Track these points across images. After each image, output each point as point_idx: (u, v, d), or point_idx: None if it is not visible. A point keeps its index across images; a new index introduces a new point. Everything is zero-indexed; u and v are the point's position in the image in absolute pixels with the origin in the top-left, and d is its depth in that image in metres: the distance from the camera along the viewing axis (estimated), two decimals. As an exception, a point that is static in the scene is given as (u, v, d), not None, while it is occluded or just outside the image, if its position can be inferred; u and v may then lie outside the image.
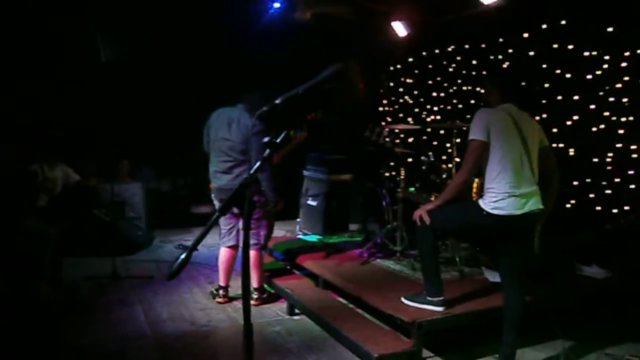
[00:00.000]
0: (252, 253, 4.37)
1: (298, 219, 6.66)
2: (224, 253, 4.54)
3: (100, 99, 6.89)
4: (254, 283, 4.48)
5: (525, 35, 5.85)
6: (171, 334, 3.93)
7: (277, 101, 1.61)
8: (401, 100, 8.10)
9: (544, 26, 5.64)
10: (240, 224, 4.45)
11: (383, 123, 7.56)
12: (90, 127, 6.94)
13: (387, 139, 4.74)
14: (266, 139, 1.62)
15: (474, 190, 4.37)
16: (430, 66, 7.48)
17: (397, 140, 4.75)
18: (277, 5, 6.83)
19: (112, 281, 5.06)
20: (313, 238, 6.04)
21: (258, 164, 1.61)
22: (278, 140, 1.61)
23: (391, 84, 8.34)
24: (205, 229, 1.58)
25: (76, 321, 4.09)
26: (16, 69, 6.42)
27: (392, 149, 4.79)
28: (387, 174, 6.18)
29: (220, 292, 4.57)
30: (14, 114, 6.27)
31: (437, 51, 7.33)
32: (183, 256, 1.51)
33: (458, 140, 4.85)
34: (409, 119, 7.79)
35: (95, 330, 3.97)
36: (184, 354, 3.64)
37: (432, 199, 4.66)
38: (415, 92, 7.81)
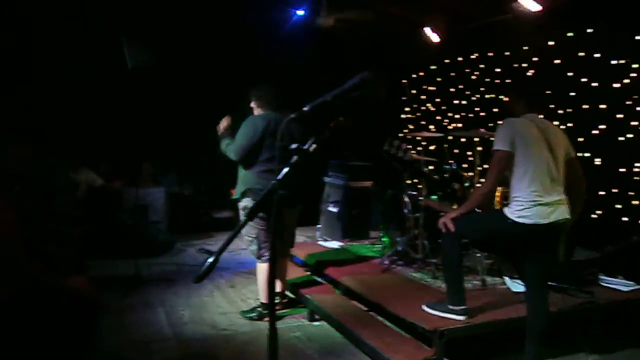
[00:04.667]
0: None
1: (318, 225, 6.66)
2: (266, 268, 4.16)
3: (126, 104, 7.01)
4: (277, 288, 4.49)
5: (551, 43, 5.80)
6: (192, 337, 3.96)
7: (306, 108, 1.62)
8: (423, 108, 8.07)
9: (570, 34, 5.58)
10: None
11: (400, 135, 7.48)
12: (114, 132, 7.06)
13: (408, 152, 4.49)
14: (294, 146, 1.63)
15: (497, 198, 4.36)
16: (453, 74, 7.45)
17: (414, 153, 4.50)
18: (300, 12, 6.88)
19: (135, 284, 5.12)
20: (333, 244, 6.04)
21: (286, 170, 1.62)
22: (306, 147, 1.62)
23: (413, 92, 8.32)
24: (233, 233, 1.59)
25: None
26: (42, 72, 6.56)
27: (414, 162, 4.50)
28: (408, 182, 6.15)
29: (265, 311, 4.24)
30: (38, 117, 6.41)
31: (460, 59, 7.30)
32: (211, 259, 1.53)
33: (480, 148, 4.82)
34: (431, 127, 7.76)
35: (118, 331, 4.02)
36: (204, 358, 3.67)
37: (454, 207, 4.64)
38: (437, 100, 7.78)
